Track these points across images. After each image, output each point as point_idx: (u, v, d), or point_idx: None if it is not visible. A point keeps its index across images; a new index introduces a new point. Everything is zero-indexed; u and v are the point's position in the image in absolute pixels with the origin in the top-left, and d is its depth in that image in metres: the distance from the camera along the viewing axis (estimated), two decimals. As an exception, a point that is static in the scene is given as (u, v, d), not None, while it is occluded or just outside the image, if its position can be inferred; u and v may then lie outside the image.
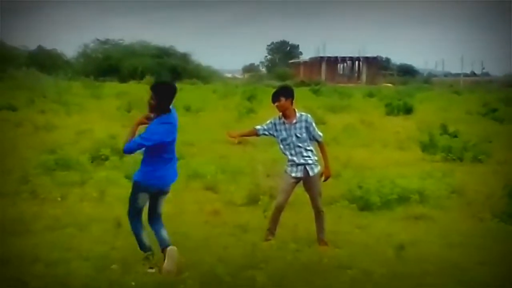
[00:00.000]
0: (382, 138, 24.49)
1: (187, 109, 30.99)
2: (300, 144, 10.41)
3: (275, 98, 10.48)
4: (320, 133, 10.62)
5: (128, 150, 9.11)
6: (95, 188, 13.77)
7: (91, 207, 12.54)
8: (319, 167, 10.56)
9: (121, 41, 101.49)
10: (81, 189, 13.91)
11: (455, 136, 21.70)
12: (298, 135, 10.41)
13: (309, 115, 10.61)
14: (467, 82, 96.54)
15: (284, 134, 10.47)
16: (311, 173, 10.45)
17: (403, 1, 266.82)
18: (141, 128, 9.14)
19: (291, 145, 10.45)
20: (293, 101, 10.54)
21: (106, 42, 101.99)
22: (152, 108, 9.22)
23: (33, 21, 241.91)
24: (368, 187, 13.45)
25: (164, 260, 8.95)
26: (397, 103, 37.94)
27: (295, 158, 10.43)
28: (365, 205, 13.09)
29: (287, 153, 10.52)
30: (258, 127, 10.76)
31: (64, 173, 15.24)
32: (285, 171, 10.61)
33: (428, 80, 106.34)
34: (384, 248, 10.13)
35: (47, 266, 7.44)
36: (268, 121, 10.71)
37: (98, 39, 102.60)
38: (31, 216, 11.40)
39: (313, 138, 10.54)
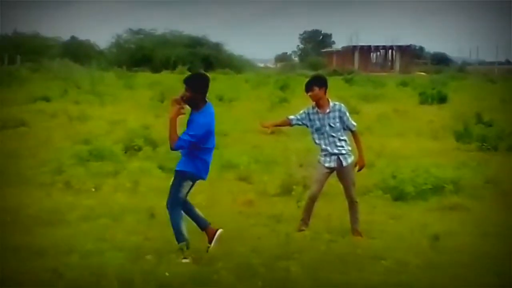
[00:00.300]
0: (416, 127, 24.38)
1: (220, 99, 31.00)
2: (334, 134, 10.38)
3: (309, 87, 10.47)
4: (354, 123, 10.58)
5: (179, 148, 9.17)
6: (129, 178, 13.83)
7: (124, 197, 12.57)
8: (352, 157, 10.52)
9: (153, 31, 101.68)
10: (114, 180, 13.96)
11: (490, 125, 21.56)
12: (332, 124, 10.38)
13: (342, 105, 10.59)
14: (502, 71, 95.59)
15: (317, 123, 10.45)
16: (344, 163, 10.42)
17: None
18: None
19: (325, 135, 10.42)
20: (327, 91, 10.51)
21: (138, 32, 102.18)
22: (188, 101, 9.20)
23: (66, 13, 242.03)
24: (402, 177, 13.39)
25: (210, 242, 9.29)
26: (431, 92, 37.72)
27: (328, 148, 10.40)
28: (399, 195, 13.04)
29: (321, 142, 10.50)
30: (292, 117, 10.75)
31: (98, 163, 15.29)
32: (319, 161, 10.59)
33: (462, 68, 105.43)
34: (418, 239, 10.10)
35: (82, 256, 7.47)
36: (301, 111, 10.70)
37: (130, 29, 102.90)
38: (65, 207, 11.48)
39: (347, 128, 10.50)
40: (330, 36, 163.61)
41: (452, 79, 63.20)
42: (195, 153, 9.28)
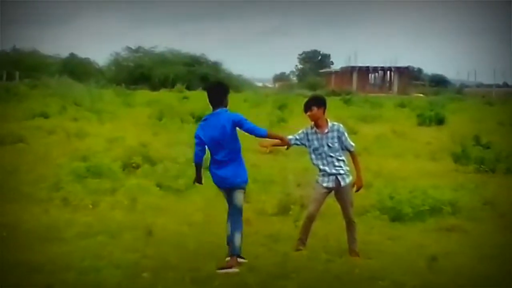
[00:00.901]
0: (414, 148, 24.42)
1: (219, 118, 30.97)
2: (332, 154, 10.37)
3: (307, 107, 10.46)
4: (352, 143, 10.56)
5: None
6: (127, 196, 13.82)
7: (122, 215, 12.57)
8: (350, 177, 10.50)
9: (152, 49, 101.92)
10: (112, 197, 13.95)
11: (488, 147, 21.60)
12: (330, 144, 10.37)
13: (341, 125, 10.57)
14: (500, 93, 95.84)
15: (316, 143, 10.43)
16: (342, 183, 10.40)
17: (435, 12, 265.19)
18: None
19: (323, 155, 10.41)
20: (325, 111, 10.52)
21: (137, 50, 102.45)
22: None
23: (65, 31, 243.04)
24: (399, 198, 13.41)
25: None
26: (429, 113, 37.82)
27: (326, 168, 10.39)
28: (396, 216, 13.03)
29: (319, 163, 10.47)
30: (290, 137, 10.68)
31: (95, 180, 15.28)
32: (317, 181, 10.57)
33: (460, 90, 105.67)
34: (416, 260, 10.12)
35: (79, 273, 7.48)
36: (300, 131, 10.67)
37: (129, 47, 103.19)
38: (63, 223, 11.49)
39: (345, 148, 10.48)
40: (328, 56, 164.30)
41: (450, 101, 63.38)
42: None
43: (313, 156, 10.57)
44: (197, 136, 10.06)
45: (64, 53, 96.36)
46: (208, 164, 10.22)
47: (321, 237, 11.00)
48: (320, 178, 10.50)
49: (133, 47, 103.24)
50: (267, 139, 10.27)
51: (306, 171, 15.45)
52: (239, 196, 10.22)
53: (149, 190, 14.37)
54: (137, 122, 29.88)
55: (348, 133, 10.67)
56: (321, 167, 10.48)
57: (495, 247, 11.25)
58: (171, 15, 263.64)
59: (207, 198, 13.65)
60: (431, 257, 10.06)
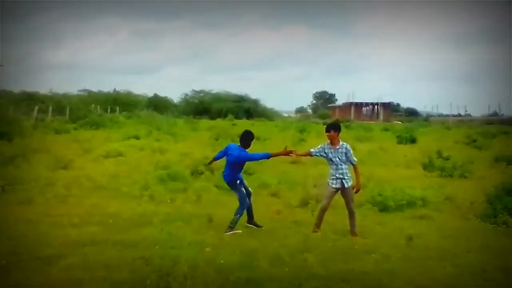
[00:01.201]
0: (395, 160, 24.27)
1: (258, 138, 30.96)
2: (341, 164, 10.38)
3: (328, 129, 10.66)
4: (355, 159, 10.62)
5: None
6: (194, 193, 13.86)
7: (191, 207, 12.61)
8: (351, 181, 10.50)
9: (210, 91, 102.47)
10: (184, 194, 13.99)
11: (447, 159, 21.42)
12: (340, 157, 10.41)
13: (348, 145, 10.62)
14: (455, 121, 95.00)
15: (330, 155, 10.48)
16: (346, 185, 10.40)
17: (411, 62, 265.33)
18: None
19: (334, 164, 10.43)
20: (339, 134, 10.60)
21: (200, 92, 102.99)
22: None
23: (152, 78, 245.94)
24: (385, 195, 13.38)
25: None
26: (405, 135, 37.62)
27: (336, 174, 10.39)
28: (383, 208, 13.00)
29: (331, 169, 10.49)
30: (312, 150, 10.73)
31: (173, 183, 15.35)
32: (328, 183, 10.57)
33: (427, 119, 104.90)
34: (397, 239, 10.09)
35: (163, 248, 7.50)
36: (319, 146, 10.71)
37: (194, 90, 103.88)
38: (150, 213, 11.55)
39: (349, 161, 10.49)
40: (334, 95, 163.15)
41: (420, 126, 62.87)
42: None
43: (329, 164, 10.58)
44: (226, 148, 11.12)
45: (150, 93, 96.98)
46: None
47: (330, 223, 10.94)
48: (330, 181, 10.50)
49: (197, 90, 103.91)
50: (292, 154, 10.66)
51: (320, 176, 15.37)
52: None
53: (210, 189, 14.40)
54: (201, 142, 29.95)
55: (352, 151, 10.66)
56: (332, 172, 10.48)
57: (454, 230, 11.25)
58: (225, 66, 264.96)
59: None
60: (408, 236, 10.01)
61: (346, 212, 10.64)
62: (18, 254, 8.32)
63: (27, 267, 7.77)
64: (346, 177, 10.46)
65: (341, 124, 11.66)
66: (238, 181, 10.83)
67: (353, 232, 10.48)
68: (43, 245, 8.94)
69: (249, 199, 11.04)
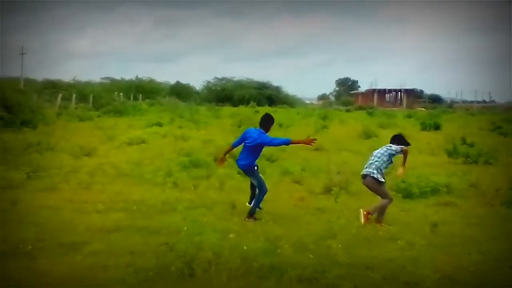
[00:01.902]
0: (419, 147, 24.01)
1: (280, 125, 31.01)
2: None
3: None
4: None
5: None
6: (217, 180, 13.86)
7: (215, 194, 12.61)
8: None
9: (232, 78, 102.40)
10: (207, 181, 13.99)
11: (472, 146, 21.28)
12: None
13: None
14: (479, 107, 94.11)
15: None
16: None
17: (434, 51, 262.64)
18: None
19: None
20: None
21: (222, 79, 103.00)
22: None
23: (176, 65, 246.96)
24: (409, 182, 13.30)
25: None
26: (429, 122, 37.26)
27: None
28: (407, 194, 12.93)
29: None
30: None
31: (196, 169, 15.38)
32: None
33: (450, 105, 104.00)
34: (422, 226, 10.03)
35: (187, 235, 7.52)
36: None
37: (217, 77, 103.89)
38: (174, 200, 11.57)
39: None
40: (356, 82, 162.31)
41: (443, 113, 62.34)
42: None
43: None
44: (244, 133, 11.01)
45: (172, 81, 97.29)
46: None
47: (354, 209, 10.90)
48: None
49: (219, 77, 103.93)
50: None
51: (343, 163, 15.41)
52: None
53: (233, 176, 14.38)
54: (223, 129, 29.99)
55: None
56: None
57: (478, 217, 11.15)
58: (247, 54, 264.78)
59: (273, 182, 13.64)
60: (433, 223, 9.96)
61: (369, 200, 10.65)
62: (43, 241, 8.39)
63: (52, 254, 7.83)
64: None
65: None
66: (255, 167, 10.73)
67: (377, 220, 10.43)
68: (68, 231, 9.00)
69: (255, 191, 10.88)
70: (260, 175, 10.82)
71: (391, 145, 10.83)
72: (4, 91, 27.63)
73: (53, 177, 13.71)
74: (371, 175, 10.48)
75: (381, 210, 10.44)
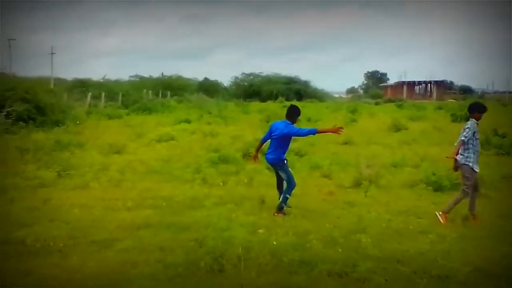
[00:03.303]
0: (449, 139, 23.61)
1: (308, 120, 30.84)
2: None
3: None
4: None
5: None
6: (246, 176, 13.90)
7: (243, 189, 12.65)
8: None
9: (260, 73, 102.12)
10: (236, 177, 14.03)
11: (504, 137, 21.02)
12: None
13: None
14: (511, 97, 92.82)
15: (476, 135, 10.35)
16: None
17: (464, 42, 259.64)
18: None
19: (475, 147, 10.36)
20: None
21: (250, 74, 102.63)
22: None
23: (203, 62, 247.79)
24: (440, 174, 13.18)
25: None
26: (460, 113, 36.71)
27: (476, 157, 10.38)
28: (438, 187, 12.80)
29: (472, 152, 10.35)
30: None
31: (224, 165, 15.46)
32: (472, 168, 10.29)
33: (482, 96, 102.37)
34: (453, 219, 9.97)
35: (215, 230, 7.55)
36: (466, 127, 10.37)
37: (244, 73, 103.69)
38: (203, 196, 11.61)
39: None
40: (385, 74, 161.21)
41: (475, 104, 61.63)
42: None
43: (474, 143, 10.34)
44: (270, 127, 10.97)
45: (200, 77, 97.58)
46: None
47: (384, 203, 10.86)
48: (475, 166, 10.28)
49: (247, 73, 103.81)
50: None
51: (373, 157, 15.32)
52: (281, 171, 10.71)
53: (261, 171, 14.38)
54: (251, 124, 29.97)
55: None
56: (474, 155, 10.30)
57: (510, 208, 11.09)
58: (274, 49, 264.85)
59: (302, 176, 13.62)
60: (464, 216, 9.93)
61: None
62: (74, 238, 8.51)
63: (84, 251, 7.94)
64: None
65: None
66: (285, 161, 10.70)
67: (472, 214, 10.19)
68: (99, 229, 9.11)
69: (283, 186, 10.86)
70: (290, 169, 10.78)
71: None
72: (36, 92, 28.00)
73: (84, 175, 13.86)
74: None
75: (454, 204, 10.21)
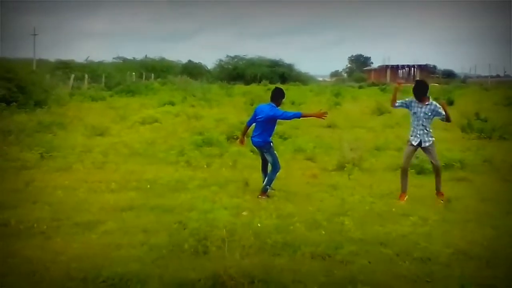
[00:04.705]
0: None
1: (292, 103, 30.84)
2: (424, 120, 10.41)
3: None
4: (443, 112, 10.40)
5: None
6: (230, 158, 13.91)
7: (227, 172, 12.67)
8: (431, 140, 10.50)
9: (245, 56, 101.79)
10: (220, 159, 14.04)
11: (486, 121, 21.12)
12: (425, 112, 10.35)
13: (437, 104, 10.47)
14: (493, 82, 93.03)
15: (416, 110, 10.45)
16: (424, 144, 10.46)
17: (447, 26, 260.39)
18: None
19: (418, 120, 10.47)
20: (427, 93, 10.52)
21: (234, 57, 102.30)
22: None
23: (188, 44, 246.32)
24: (422, 158, 13.18)
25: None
26: (442, 97, 36.88)
27: (417, 131, 10.49)
28: (421, 170, 12.88)
29: (412, 126, 10.56)
30: (397, 102, 10.88)
31: (208, 148, 15.45)
32: (408, 140, 10.66)
33: (464, 80, 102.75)
34: (435, 201, 9.98)
35: (199, 213, 7.54)
36: (407, 99, 10.73)
37: (229, 55, 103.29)
38: (187, 178, 11.59)
39: (436, 117, 10.49)
40: (369, 58, 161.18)
41: (457, 88, 61.55)
42: None
43: (412, 118, 10.55)
44: (255, 111, 10.98)
45: (184, 59, 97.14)
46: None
47: (367, 186, 10.91)
48: (411, 138, 10.53)
49: (231, 55, 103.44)
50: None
51: (356, 140, 15.38)
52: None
53: (245, 154, 14.38)
54: (235, 107, 29.94)
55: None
56: (413, 129, 10.52)
57: (492, 192, 11.15)
58: (260, 32, 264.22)
59: (285, 159, 13.64)
60: (447, 199, 10.03)
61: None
62: (58, 220, 8.48)
63: (67, 233, 7.91)
64: (426, 137, 10.38)
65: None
66: (271, 143, 10.72)
67: (438, 191, 10.43)
68: (82, 211, 9.09)
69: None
70: (275, 152, 10.82)
71: (433, 101, 10.51)
72: (17, 72, 27.73)
73: (67, 157, 13.81)
74: (430, 142, 10.49)
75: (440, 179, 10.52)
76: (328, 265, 6.64)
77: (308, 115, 10.69)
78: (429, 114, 10.28)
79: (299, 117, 10.42)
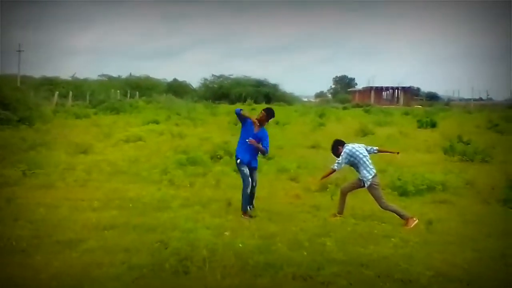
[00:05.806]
0: (415, 145, 24.03)
1: (277, 123, 30.93)
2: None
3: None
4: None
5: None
6: (213, 178, 13.92)
7: (210, 191, 12.65)
8: (369, 182, 10.40)
9: (230, 76, 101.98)
10: (203, 179, 14.04)
11: (468, 144, 21.28)
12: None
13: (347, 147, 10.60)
14: (476, 105, 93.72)
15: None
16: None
17: (431, 45, 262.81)
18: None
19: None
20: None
21: (220, 76, 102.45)
22: (261, 121, 10.97)
23: (173, 62, 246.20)
24: (405, 179, 13.36)
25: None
26: (426, 119, 37.21)
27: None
28: (403, 192, 12.97)
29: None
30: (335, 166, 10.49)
31: (192, 167, 15.43)
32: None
33: (447, 103, 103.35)
34: (417, 223, 10.01)
35: (182, 232, 7.52)
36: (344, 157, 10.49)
37: (214, 75, 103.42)
38: (170, 197, 11.57)
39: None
40: (353, 79, 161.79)
41: (440, 110, 62.11)
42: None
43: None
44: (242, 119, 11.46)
45: (169, 78, 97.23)
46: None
47: (349, 208, 10.93)
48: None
49: (217, 75, 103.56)
50: None
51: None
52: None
53: (229, 174, 14.41)
54: (220, 127, 29.97)
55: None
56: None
57: (473, 215, 11.25)
58: (247, 50, 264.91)
59: (268, 179, 13.68)
60: (428, 221, 10.05)
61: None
62: (38, 238, 8.41)
63: (48, 251, 7.84)
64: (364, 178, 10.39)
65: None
66: (238, 160, 10.88)
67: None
68: (64, 229, 9.01)
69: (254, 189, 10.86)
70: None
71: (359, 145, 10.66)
72: (1, 89, 27.61)
73: (50, 175, 13.74)
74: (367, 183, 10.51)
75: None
76: (310, 286, 6.64)
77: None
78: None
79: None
